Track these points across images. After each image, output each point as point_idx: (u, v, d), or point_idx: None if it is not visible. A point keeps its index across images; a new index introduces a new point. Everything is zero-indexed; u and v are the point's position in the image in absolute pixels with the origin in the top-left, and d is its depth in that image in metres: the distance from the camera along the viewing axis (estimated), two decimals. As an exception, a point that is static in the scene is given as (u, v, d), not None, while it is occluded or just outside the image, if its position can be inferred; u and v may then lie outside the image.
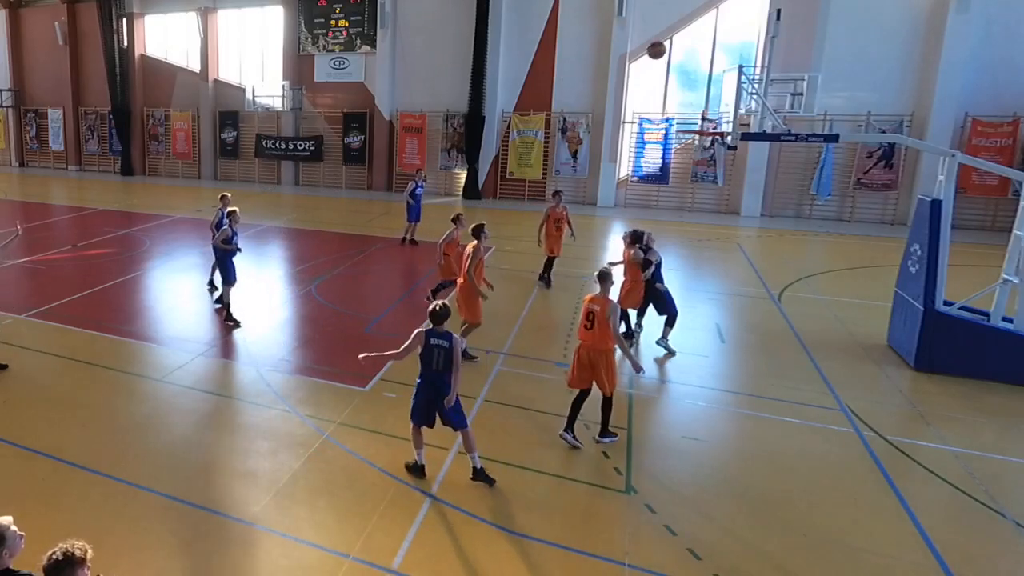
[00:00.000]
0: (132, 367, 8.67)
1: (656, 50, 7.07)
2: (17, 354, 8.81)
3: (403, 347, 5.89)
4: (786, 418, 7.33)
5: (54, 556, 2.97)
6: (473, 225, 8.89)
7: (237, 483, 5.99)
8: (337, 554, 5.04)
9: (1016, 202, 8.92)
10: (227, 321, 10.23)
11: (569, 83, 22.94)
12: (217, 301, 11.01)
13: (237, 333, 9.96)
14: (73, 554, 2.98)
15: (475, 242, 8.64)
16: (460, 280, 8.77)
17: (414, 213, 16.13)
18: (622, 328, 9.05)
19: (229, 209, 10.58)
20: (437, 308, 5.84)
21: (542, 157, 23.45)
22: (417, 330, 5.88)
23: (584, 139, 22.88)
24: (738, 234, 18.30)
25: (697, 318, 10.83)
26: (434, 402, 5.85)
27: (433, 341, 5.78)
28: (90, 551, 3.05)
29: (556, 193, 12.94)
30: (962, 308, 8.68)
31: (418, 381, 5.95)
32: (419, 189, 16.13)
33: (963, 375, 8.33)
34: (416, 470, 6.10)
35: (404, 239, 16.27)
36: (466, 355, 8.39)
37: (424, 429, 6.06)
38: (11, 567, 3.19)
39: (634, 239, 9.31)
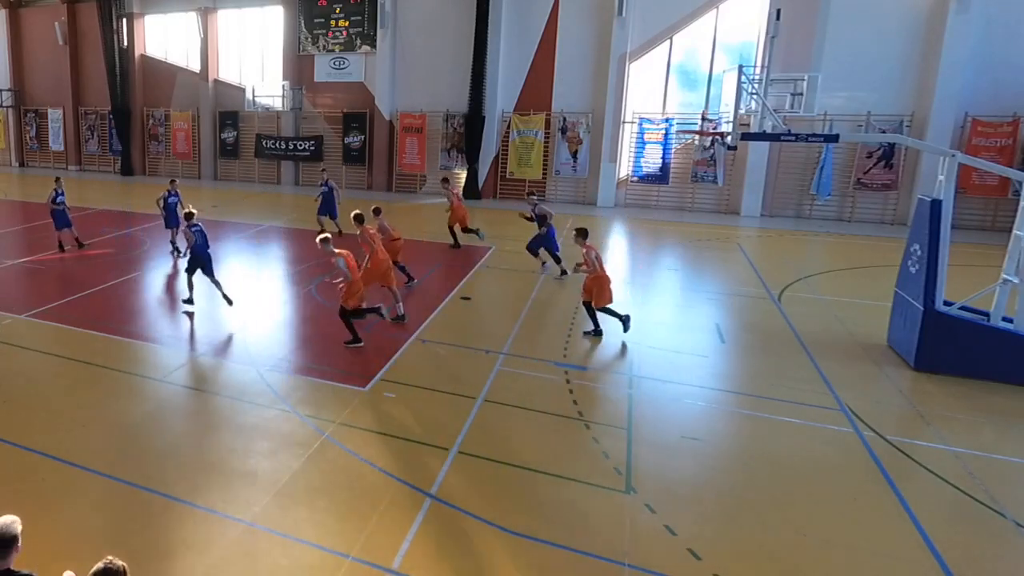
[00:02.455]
0: (132, 367, 8.67)
1: None
2: (17, 354, 8.81)
3: (187, 243, 10.70)
4: (786, 418, 7.33)
5: (111, 568, 3.05)
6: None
7: (237, 483, 5.98)
8: (337, 554, 5.04)
9: (1016, 202, 8.92)
10: (58, 250, 14.73)
11: (569, 83, 22.91)
12: (174, 250, 14.90)
13: (237, 333, 9.96)
14: (118, 568, 3.06)
15: None
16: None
17: (323, 207, 16.85)
18: (591, 326, 9.79)
19: (56, 175, 16.03)
20: (189, 211, 10.83)
21: (542, 157, 23.47)
22: (182, 227, 10.96)
23: (584, 139, 22.87)
24: (738, 234, 18.30)
25: (697, 318, 10.85)
26: (202, 261, 10.58)
27: (194, 228, 10.55)
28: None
29: (445, 180, 14.48)
30: (962, 308, 8.66)
31: (190, 254, 10.73)
32: (325, 187, 16.80)
33: (963, 375, 8.33)
34: (189, 301, 10.73)
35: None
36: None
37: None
38: (11, 567, 3.20)
39: (581, 233, 9.92)
